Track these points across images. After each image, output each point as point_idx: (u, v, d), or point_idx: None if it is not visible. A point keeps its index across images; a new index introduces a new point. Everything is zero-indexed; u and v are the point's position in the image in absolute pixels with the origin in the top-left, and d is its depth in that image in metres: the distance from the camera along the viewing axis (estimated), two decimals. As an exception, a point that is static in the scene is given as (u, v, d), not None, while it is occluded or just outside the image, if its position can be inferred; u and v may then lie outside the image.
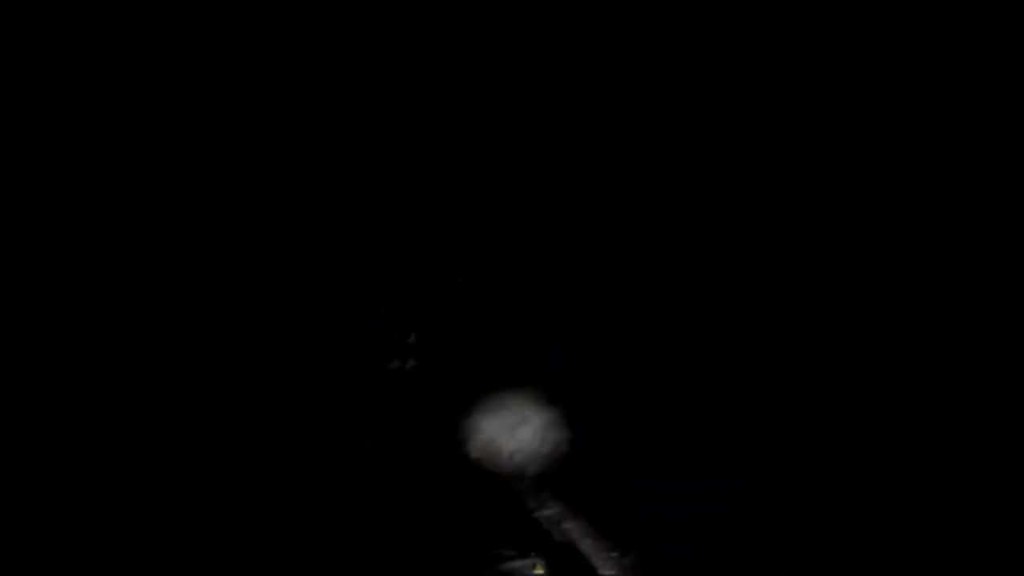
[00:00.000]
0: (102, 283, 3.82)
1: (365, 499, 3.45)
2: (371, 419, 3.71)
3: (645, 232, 3.92)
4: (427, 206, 4.11)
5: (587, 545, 3.22)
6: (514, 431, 3.49)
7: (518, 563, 3.22)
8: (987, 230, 3.71)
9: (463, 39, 4.00)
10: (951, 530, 3.35)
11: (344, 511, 3.42)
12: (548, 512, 3.28)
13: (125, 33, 3.92)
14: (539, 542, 3.25)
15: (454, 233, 4.08)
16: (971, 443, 3.51)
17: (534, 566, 3.22)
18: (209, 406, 3.67)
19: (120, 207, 3.93)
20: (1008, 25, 3.63)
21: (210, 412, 3.66)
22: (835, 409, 3.62)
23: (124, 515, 3.35)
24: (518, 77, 4.00)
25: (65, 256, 3.83)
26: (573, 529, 3.27)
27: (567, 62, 3.97)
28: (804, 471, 3.51)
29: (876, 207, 3.82)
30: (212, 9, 3.92)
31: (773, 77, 3.89)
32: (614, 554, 3.19)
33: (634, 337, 3.78)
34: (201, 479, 3.46)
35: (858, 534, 3.37)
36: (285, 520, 3.37)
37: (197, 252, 3.93)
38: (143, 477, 3.46)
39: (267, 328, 3.87)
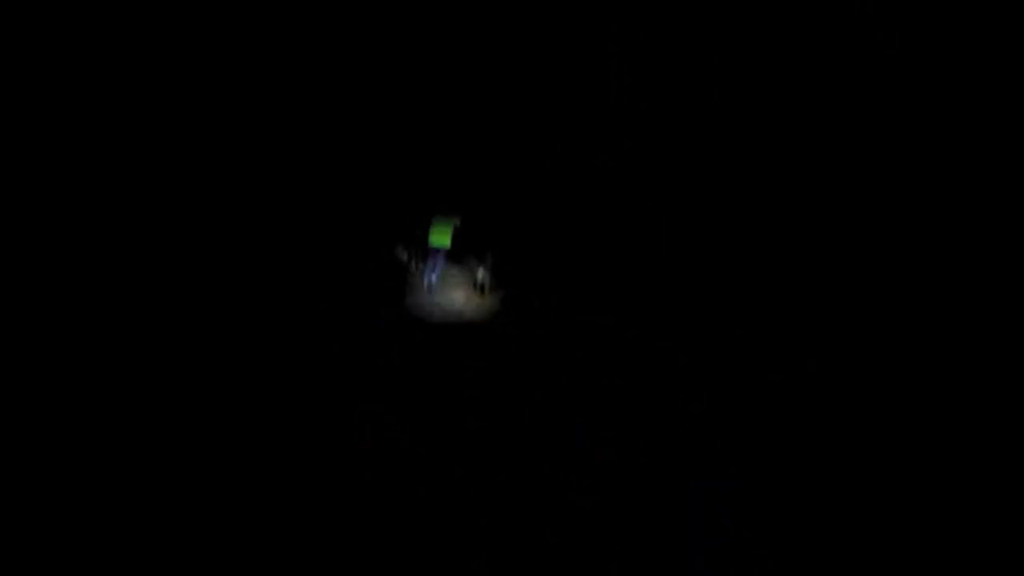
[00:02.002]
0: (102, 283, 3.82)
1: (365, 499, 3.46)
2: (371, 419, 3.72)
3: (645, 232, 3.92)
4: (427, 206, 4.12)
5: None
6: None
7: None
8: (987, 231, 3.71)
9: (464, 40, 4.00)
10: (951, 529, 3.35)
11: (344, 511, 3.42)
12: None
13: (125, 33, 3.92)
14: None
15: (454, 233, 4.08)
16: (970, 442, 3.52)
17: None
18: (210, 406, 3.68)
19: (120, 207, 3.93)
20: (1008, 26, 3.63)
21: (211, 412, 3.66)
22: (835, 409, 3.62)
23: (124, 515, 3.35)
24: (518, 77, 4.00)
25: (65, 256, 3.84)
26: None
27: (567, 62, 3.98)
28: (804, 471, 3.51)
29: (875, 208, 3.83)
30: (212, 10, 3.92)
31: (773, 78, 3.89)
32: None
33: (634, 337, 3.79)
34: (202, 478, 3.47)
35: (858, 534, 3.37)
36: (285, 520, 3.37)
37: (197, 252, 3.94)
38: (143, 477, 3.46)
39: (267, 328, 3.87)
